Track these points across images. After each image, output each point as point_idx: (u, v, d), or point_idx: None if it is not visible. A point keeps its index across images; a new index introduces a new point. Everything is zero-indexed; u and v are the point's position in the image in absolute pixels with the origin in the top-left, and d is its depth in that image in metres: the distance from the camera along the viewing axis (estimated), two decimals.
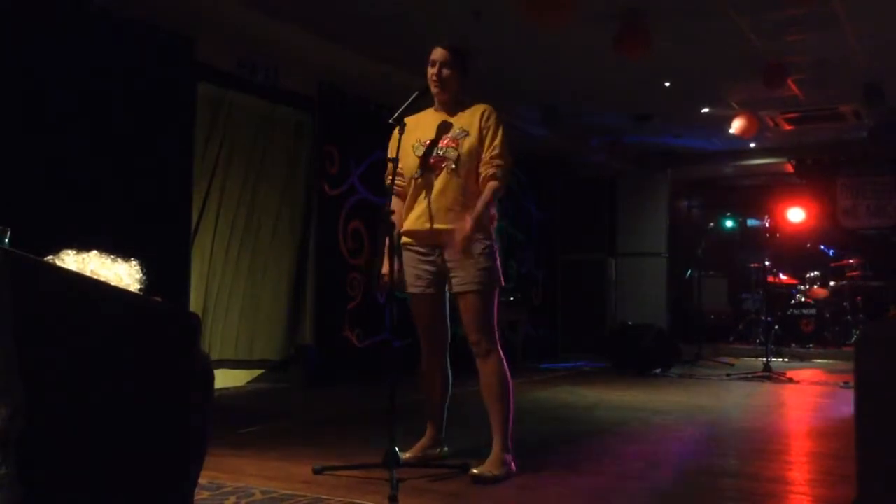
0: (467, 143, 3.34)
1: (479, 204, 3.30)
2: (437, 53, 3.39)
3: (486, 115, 3.38)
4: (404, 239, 3.44)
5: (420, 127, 3.43)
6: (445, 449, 3.60)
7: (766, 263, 8.97)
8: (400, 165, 3.41)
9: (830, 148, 10.26)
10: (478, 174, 3.36)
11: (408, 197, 3.46)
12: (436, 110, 3.49)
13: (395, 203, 3.48)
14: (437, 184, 3.35)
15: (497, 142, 3.35)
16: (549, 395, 6.25)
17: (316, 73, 6.54)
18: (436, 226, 3.34)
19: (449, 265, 3.36)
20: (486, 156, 3.35)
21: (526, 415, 4.97)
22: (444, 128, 3.39)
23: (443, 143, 3.37)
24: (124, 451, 1.75)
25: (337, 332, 6.64)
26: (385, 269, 3.36)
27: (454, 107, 3.44)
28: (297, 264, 6.59)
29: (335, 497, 2.88)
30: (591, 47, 6.48)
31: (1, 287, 1.57)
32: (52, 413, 1.61)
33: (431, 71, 3.39)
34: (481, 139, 3.35)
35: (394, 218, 3.38)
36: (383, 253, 3.38)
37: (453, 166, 3.33)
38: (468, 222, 3.25)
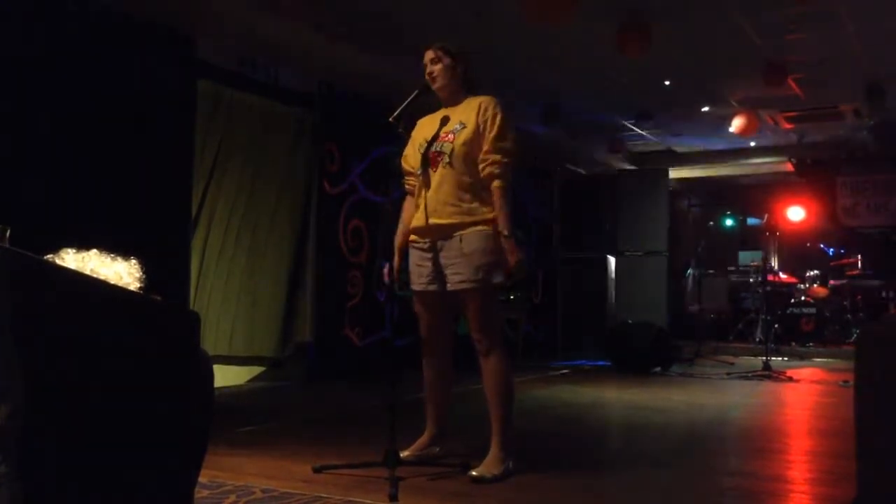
0: (462, 136, 3.34)
1: (500, 215, 3.30)
2: (426, 55, 3.47)
3: (483, 106, 3.37)
4: (411, 236, 3.47)
5: (427, 125, 3.49)
6: (445, 448, 3.60)
7: (767, 262, 8.97)
8: (411, 164, 3.47)
9: (830, 147, 10.26)
10: (476, 166, 3.35)
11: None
12: (444, 108, 3.53)
13: (408, 201, 3.56)
14: (435, 179, 3.36)
15: (494, 133, 3.31)
16: (549, 393, 6.25)
17: (316, 70, 6.53)
18: (431, 221, 3.34)
19: (444, 262, 3.36)
20: (484, 149, 3.33)
21: (526, 413, 4.97)
22: (443, 123, 3.42)
23: (441, 138, 3.39)
24: (124, 449, 1.75)
25: (337, 331, 6.64)
26: (395, 263, 3.46)
27: (456, 102, 3.47)
28: (295, 262, 6.59)
29: (335, 495, 2.88)
30: (592, 46, 6.48)
31: (0, 286, 1.57)
32: (52, 412, 1.61)
33: (426, 73, 3.46)
34: (479, 131, 3.34)
35: (404, 215, 3.48)
36: (385, 249, 3.41)
37: (447, 160, 3.33)
38: (511, 251, 3.26)
